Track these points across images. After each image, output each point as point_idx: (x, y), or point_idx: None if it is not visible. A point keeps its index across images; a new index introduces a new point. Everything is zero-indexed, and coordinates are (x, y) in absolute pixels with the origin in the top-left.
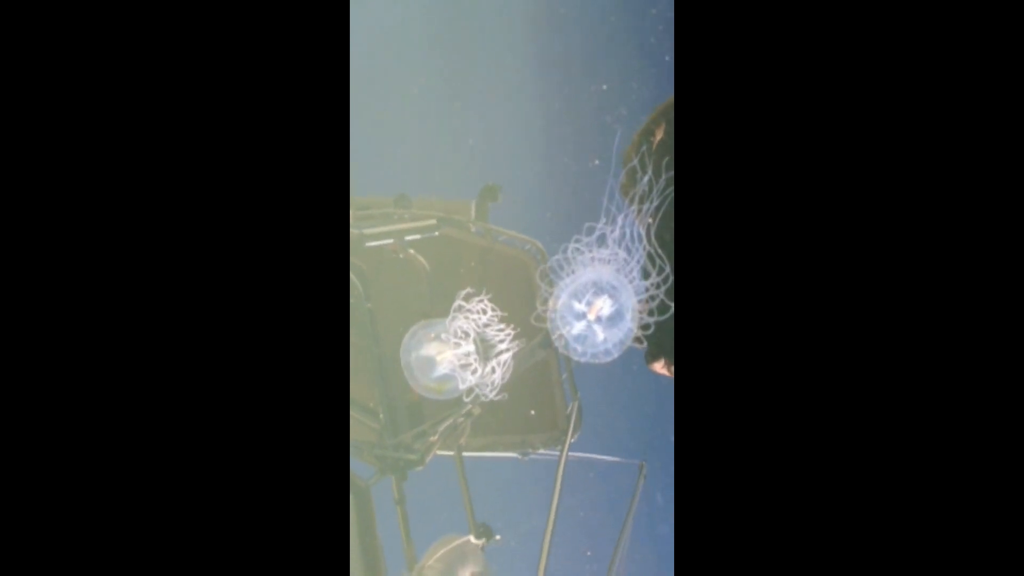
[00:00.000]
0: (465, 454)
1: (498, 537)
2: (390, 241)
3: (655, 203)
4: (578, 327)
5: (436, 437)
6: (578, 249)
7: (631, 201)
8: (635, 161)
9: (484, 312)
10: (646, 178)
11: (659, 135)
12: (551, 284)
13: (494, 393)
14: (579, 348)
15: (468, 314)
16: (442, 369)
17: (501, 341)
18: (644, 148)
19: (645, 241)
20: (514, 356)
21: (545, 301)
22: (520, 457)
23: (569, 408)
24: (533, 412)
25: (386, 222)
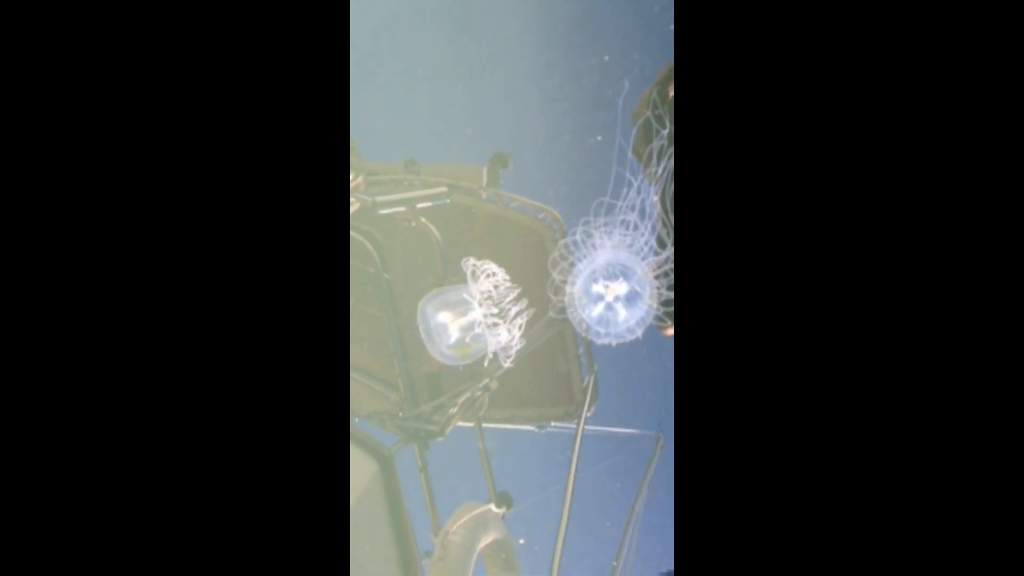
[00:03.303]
0: (484, 425)
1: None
2: (402, 209)
3: (673, 161)
4: (598, 309)
5: (455, 409)
6: (587, 232)
7: (645, 163)
8: (648, 114)
9: (493, 275)
10: (665, 132)
11: (672, 92)
12: (563, 273)
13: (509, 361)
14: (602, 330)
15: (485, 276)
16: (458, 335)
17: (514, 302)
18: (656, 102)
19: (659, 208)
20: (528, 324)
21: (560, 290)
22: (537, 429)
23: (585, 382)
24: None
25: (397, 189)
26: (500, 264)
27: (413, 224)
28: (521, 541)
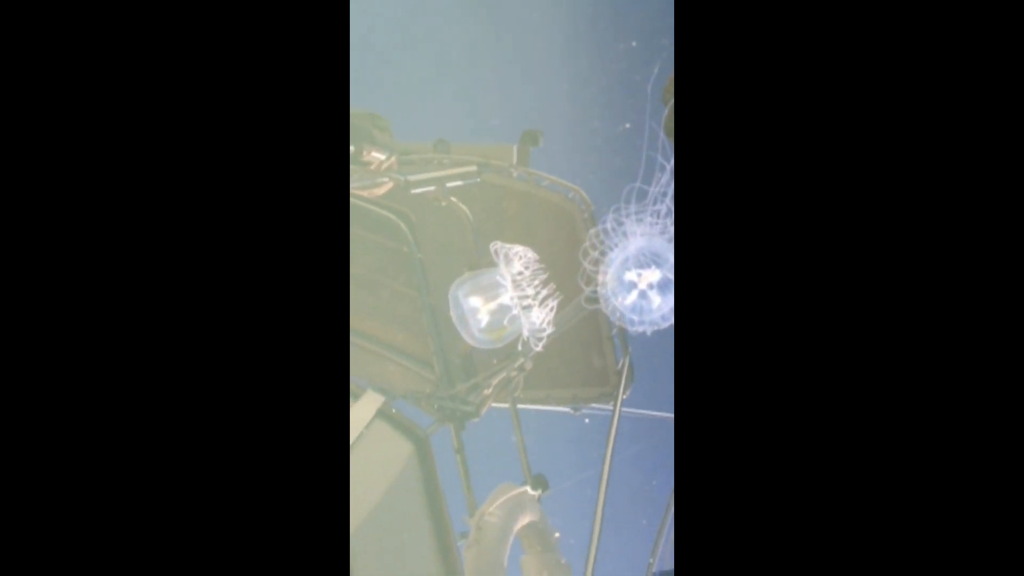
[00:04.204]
0: (519, 407)
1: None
2: (432, 188)
3: None
4: (631, 297)
5: (490, 390)
6: (618, 220)
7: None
8: None
9: (522, 257)
10: None
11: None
12: (595, 262)
13: (540, 345)
14: (635, 318)
15: (517, 258)
16: (490, 318)
17: (543, 284)
18: None
19: None
20: (559, 307)
21: (591, 279)
22: (573, 411)
23: (620, 364)
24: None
25: (427, 168)
26: (531, 243)
27: (443, 204)
28: (557, 534)
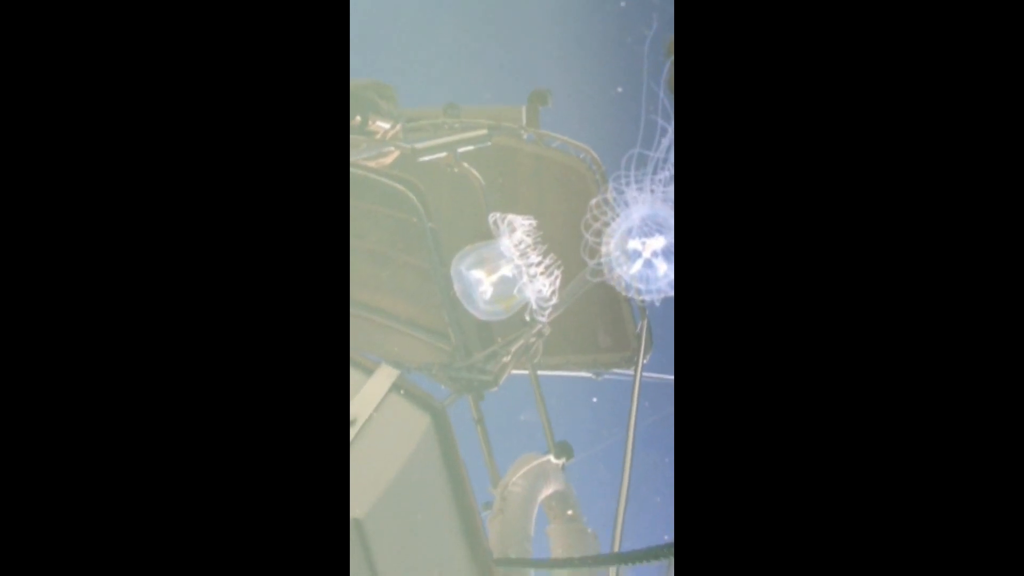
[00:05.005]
0: (539, 372)
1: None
2: (444, 154)
3: None
4: (636, 266)
5: (508, 358)
6: (619, 188)
7: None
8: None
9: (523, 226)
10: None
11: None
12: (597, 233)
13: (546, 316)
14: (642, 287)
15: (517, 227)
16: (494, 289)
17: (543, 256)
18: None
19: None
20: (567, 278)
21: (594, 252)
22: (594, 376)
23: (638, 328)
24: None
25: (437, 133)
26: (543, 206)
27: (456, 170)
28: (570, 512)
